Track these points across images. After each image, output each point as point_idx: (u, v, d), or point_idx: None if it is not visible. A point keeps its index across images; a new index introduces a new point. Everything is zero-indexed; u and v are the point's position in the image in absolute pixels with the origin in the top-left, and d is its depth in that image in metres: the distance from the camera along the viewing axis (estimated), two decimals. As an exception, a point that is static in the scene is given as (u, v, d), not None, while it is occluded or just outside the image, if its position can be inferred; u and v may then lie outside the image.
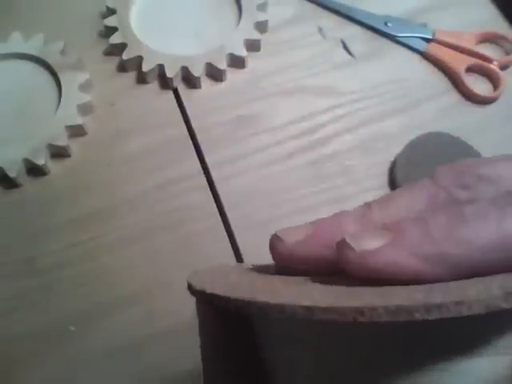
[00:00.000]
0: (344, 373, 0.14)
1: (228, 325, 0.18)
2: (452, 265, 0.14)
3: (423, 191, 0.17)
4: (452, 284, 0.14)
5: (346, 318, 0.12)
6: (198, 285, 0.16)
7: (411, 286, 0.14)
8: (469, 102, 0.44)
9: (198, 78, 0.43)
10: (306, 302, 0.12)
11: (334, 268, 0.16)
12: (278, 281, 0.17)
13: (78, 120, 0.41)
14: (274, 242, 0.17)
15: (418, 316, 0.11)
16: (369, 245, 0.15)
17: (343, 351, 0.14)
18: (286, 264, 0.17)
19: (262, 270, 0.19)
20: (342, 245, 0.15)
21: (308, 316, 0.12)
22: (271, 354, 0.17)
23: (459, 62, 0.45)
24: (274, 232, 0.17)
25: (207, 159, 0.41)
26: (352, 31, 0.47)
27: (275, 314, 0.13)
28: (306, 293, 0.14)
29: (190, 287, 0.16)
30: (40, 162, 0.40)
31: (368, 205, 0.17)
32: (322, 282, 0.16)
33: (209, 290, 0.15)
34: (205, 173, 0.41)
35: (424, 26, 0.47)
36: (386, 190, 0.40)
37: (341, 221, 0.17)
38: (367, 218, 0.17)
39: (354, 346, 0.14)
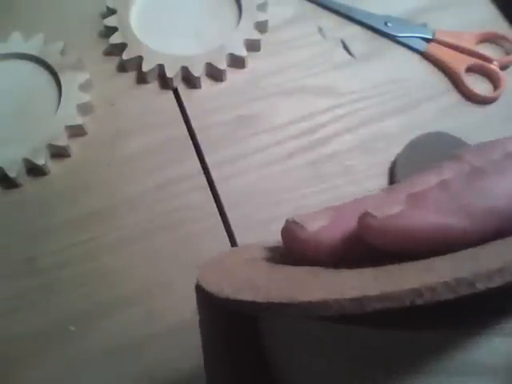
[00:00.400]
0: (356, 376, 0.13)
1: (234, 328, 0.17)
2: (476, 217, 0.14)
3: (450, 171, 0.16)
4: (486, 248, 0.13)
5: (403, 302, 0.11)
6: (211, 287, 0.14)
7: (447, 256, 0.13)
8: (469, 102, 0.44)
9: (198, 77, 0.43)
10: (353, 293, 0.11)
11: (360, 256, 0.15)
12: (298, 272, 0.15)
13: (78, 120, 0.41)
14: (294, 229, 0.16)
15: (480, 286, 0.10)
16: (390, 210, 0.14)
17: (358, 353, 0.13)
18: (308, 253, 0.16)
19: (269, 256, 0.18)
20: (363, 216, 0.14)
21: (358, 309, 0.11)
22: (281, 358, 0.16)
23: (459, 62, 0.45)
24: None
25: (207, 159, 0.41)
26: (352, 31, 0.47)
27: (320, 313, 0.12)
28: (342, 282, 0.13)
29: (206, 291, 0.15)
30: (40, 162, 0.40)
31: (391, 188, 0.16)
32: (348, 269, 0.15)
33: (231, 296, 0.14)
34: (205, 173, 0.41)
35: (424, 26, 0.47)
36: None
37: (363, 204, 0.16)
38: (392, 196, 0.16)
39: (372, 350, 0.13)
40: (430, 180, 0.16)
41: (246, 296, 0.13)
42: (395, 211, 0.14)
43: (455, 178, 0.15)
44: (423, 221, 0.14)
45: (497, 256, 0.12)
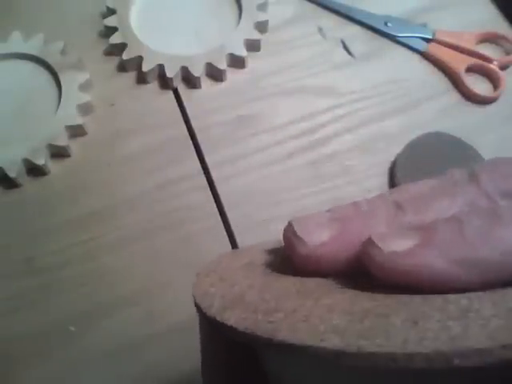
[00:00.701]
0: None
1: (233, 348, 0.17)
2: (486, 269, 0.13)
3: (465, 197, 0.15)
4: (489, 305, 0.12)
5: (378, 364, 0.11)
6: (203, 301, 0.14)
7: (443, 304, 0.13)
8: (469, 102, 0.44)
9: (198, 77, 0.43)
10: (333, 341, 0.11)
11: (359, 269, 0.15)
12: (291, 289, 0.15)
13: (78, 120, 0.41)
14: (294, 243, 0.15)
15: (456, 362, 0.10)
16: (397, 246, 0.14)
17: None
18: (308, 267, 0.15)
19: (269, 261, 0.18)
20: (368, 245, 0.14)
21: (334, 360, 0.11)
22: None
23: (459, 62, 0.45)
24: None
25: (207, 159, 0.41)
26: (352, 31, 0.47)
27: (296, 355, 0.12)
28: (327, 318, 0.13)
29: (198, 307, 0.15)
30: (40, 162, 0.40)
31: (400, 205, 0.16)
32: (341, 290, 0.14)
33: (219, 318, 0.14)
34: (205, 173, 0.41)
35: (424, 26, 0.47)
36: (385, 189, 0.40)
37: (370, 222, 0.15)
38: (399, 220, 0.15)
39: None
40: (442, 206, 0.15)
41: (230, 318, 0.13)
42: (402, 248, 0.14)
43: (469, 218, 0.14)
44: (429, 266, 0.13)
45: (483, 325, 0.11)
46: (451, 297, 0.13)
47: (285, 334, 0.12)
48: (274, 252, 0.18)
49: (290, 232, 0.16)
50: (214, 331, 0.17)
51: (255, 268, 0.17)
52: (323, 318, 0.13)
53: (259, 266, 0.18)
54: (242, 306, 0.14)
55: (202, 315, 0.14)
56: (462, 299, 0.13)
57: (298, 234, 0.15)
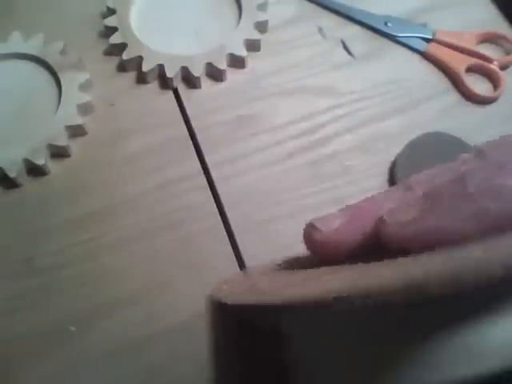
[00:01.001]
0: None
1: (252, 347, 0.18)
2: (489, 219, 0.13)
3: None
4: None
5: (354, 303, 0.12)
6: (215, 293, 0.16)
7: (426, 259, 0.13)
8: (469, 102, 0.44)
9: (198, 77, 0.43)
10: (313, 294, 0.12)
11: (375, 247, 0.15)
12: (298, 276, 0.16)
13: (78, 120, 0.41)
14: (310, 232, 0.17)
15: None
16: (404, 217, 0.15)
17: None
18: (322, 252, 0.17)
19: (287, 265, 0.19)
20: (379, 221, 0.15)
21: (313, 309, 0.12)
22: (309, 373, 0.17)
23: (459, 62, 0.45)
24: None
25: (207, 159, 0.41)
26: (352, 31, 0.47)
27: (284, 313, 0.13)
28: (321, 283, 0.14)
29: (219, 303, 0.16)
30: (40, 162, 0.40)
31: (409, 187, 0.16)
32: (350, 267, 0.15)
33: (223, 300, 0.15)
34: (205, 173, 0.41)
35: (424, 26, 0.47)
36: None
37: (381, 205, 0.16)
38: (408, 197, 0.16)
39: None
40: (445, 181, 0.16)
41: (232, 299, 0.15)
42: (408, 218, 0.14)
43: (472, 172, 0.14)
44: (434, 228, 0.14)
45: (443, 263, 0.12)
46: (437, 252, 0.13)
47: (269, 299, 0.13)
48: (294, 259, 0.20)
49: (308, 226, 0.17)
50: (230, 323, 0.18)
51: (274, 270, 0.19)
52: (312, 287, 0.14)
53: (280, 270, 0.19)
54: (249, 291, 0.15)
55: (213, 305, 0.15)
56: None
57: (315, 224, 0.17)
